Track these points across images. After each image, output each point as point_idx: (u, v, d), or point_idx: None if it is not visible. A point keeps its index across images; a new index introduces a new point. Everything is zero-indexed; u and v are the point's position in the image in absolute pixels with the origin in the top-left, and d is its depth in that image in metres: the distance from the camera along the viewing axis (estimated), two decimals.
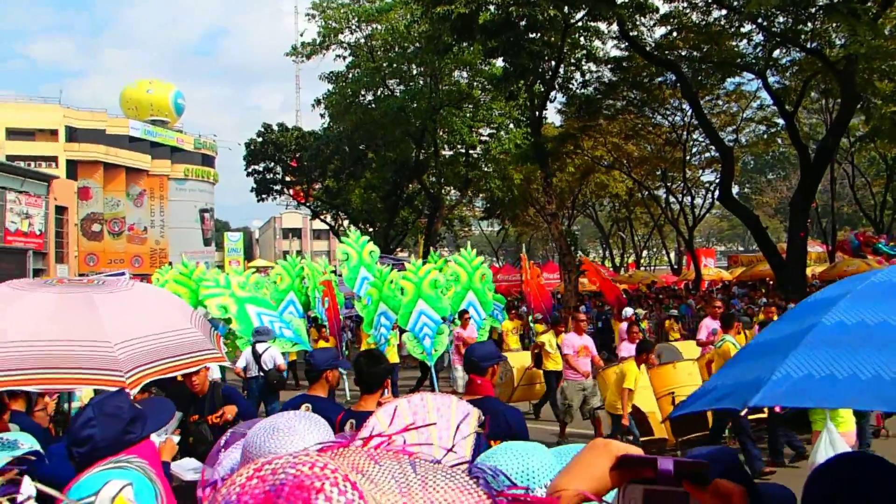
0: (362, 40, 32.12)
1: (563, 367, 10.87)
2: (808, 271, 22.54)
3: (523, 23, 21.15)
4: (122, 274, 18.46)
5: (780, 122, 26.49)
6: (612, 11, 20.29)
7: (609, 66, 25.91)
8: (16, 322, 3.42)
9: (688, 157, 33.75)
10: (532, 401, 13.00)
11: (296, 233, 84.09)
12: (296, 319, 14.69)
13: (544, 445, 1.70)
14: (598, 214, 50.61)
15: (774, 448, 8.64)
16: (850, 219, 51.27)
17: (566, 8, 21.17)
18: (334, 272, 16.40)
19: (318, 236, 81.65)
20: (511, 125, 33.65)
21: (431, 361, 12.68)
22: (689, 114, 29.16)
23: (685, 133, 32.00)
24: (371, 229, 39.91)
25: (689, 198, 39.18)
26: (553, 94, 26.34)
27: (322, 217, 47.45)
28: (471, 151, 35.43)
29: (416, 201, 40.55)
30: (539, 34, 22.27)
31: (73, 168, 54.23)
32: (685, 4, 20.92)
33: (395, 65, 32.27)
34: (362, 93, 34.23)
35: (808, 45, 19.34)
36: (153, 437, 3.61)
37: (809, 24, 19.14)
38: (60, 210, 44.99)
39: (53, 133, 54.27)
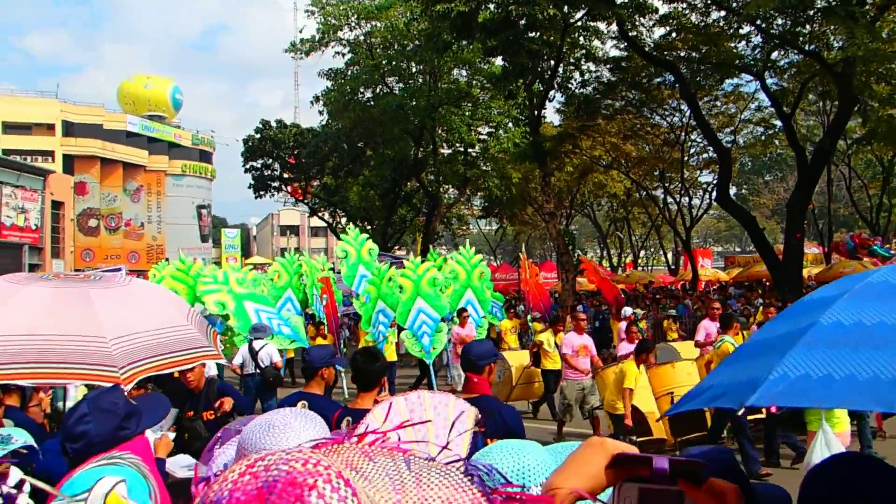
0: (361, 37, 32.04)
1: (562, 366, 10.88)
2: (805, 272, 22.58)
3: (523, 22, 21.14)
4: (119, 270, 18.41)
5: (778, 123, 26.51)
6: (612, 11, 20.29)
7: (608, 66, 25.92)
8: (10, 316, 3.42)
9: (686, 158, 33.79)
10: (531, 399, 13.01)
11: (293, 230, 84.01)
12: (294, 317, 14.68)
13: (539, 444, 1.70)
14: (595, 214, 50.64)
15: (771, 448, 8.64)
16: (846, 221, 51.34)
17: (566, 7, 21.16)
18: (333, 269, 16.37)
19: (316, 233, 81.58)
20: (510, 124, 33.62)
21: (430, 359, 12.68)
22: (687, 114, 29.18)
23: (683, 134, 32.03)
24: (369, 227, 39.88)
25: (686, 198, 39.28)
26: (552, 93, 26.39)
27: (320, 214, 47.42)
28: (469, 150, 35.41)
29: (415, 199, 40.52)
30: (538, 33, 22.27)
31: (70, 163, 54.15)
32: (684, 5, 20.93)
33: (394, 62, 32.22)
34: (361, 90, 34.17)
35: (807, 48, 19.35)
36: (149, 433, 3.61)
37: (808, 27, 19.16)
38: (57, 205, 44.90)
39: (50, 127, 54.19)
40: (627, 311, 15.95)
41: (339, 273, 16.07)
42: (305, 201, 45.75)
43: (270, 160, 42.93)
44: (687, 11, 21.25)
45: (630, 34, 21.70)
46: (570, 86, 26.79)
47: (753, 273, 31.48)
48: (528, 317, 17.26)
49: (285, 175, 43.68)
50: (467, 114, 33.42)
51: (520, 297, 25.22)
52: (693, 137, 33.46)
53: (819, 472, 1.84)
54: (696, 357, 10.66)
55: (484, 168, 35.76)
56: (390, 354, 13.49)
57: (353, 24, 31.30)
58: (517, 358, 12.74)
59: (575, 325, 11.24)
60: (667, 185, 38.08)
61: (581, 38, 24.50)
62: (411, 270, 12.93)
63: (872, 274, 1.74)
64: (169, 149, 62.20)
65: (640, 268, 53.53)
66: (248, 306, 12.93)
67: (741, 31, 21.22)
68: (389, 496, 0.88)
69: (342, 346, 16.37)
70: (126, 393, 3.08)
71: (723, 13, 20.37)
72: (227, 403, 5.70)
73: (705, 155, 35.70)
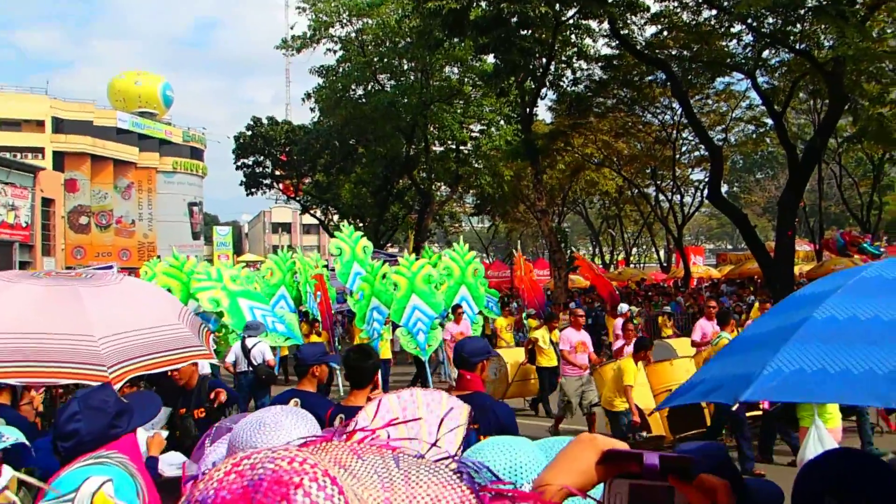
0: (353, 34, 32.00)
1: (561, 362, 10.89)
2: (796, 270, 22.66)
3: (514, 19, 21.14)
4: (111, 267, 18.35)
5: (769, 121, 26.58)
6: (603, 9, 20.30)
7: (600, 63, 25.95)
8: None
9: (677, 156, 33.89)
10: (527, 397, 13.00)
11: (285, 227, 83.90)
12: (288, 314, 14.64)
13: (530, 440, 1.69)
14: (588, 212, 50.76)
15: (765, 445, 8.66)
16: (837, 218, 51.58)
17: (557, 5, 21.18)
18: (326, 266, 16.33)
19: (308, 231, 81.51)
20: (502, 122, 33.67)
21: (425, 356, 12.67)
22: (678, 112, 29.26)
23: (675, 132, 32.12)
24: (361, 224, 39.84)
25: (678, 196, 39.40)
26: (544, 91, 26.39)
27: (312, 212, 47.37)
28: (461, 147, 35.40)
29: (407, 197, 40.50)
30: (530, 31, 22.27)
31: (60, 160, 53.87)
32: (676, 4, 20.94)
33: (385, 60, 32.20)
34: (353, 87, 34.14)
35: (797, 47, 19.40)
36: (141, 431, 3.60)
37: (798, 26, 19.21)
38: (47, 202, 44.65)
39: (40, 124, 53.89)
40: (623, 307, 15.96)
41: (332, 270, 16.04)
42: (297, 199, 45.70)
43: (262, 157, 42.83)
44: (678, 10, 21.27)
45: (621, 32, 21.72)
46: (561, 83, 26.82)
47: (745, 270, 31.61)
48: (524, 314, 17.27)
49: (277, 172, 43.60)
50: (459, 111, 33.41)
51: (512, 294, 25.26)
52: (685, 135, 33.57)
53: (813, 468, 1.84)
54: (694, 354, 10.66)
55: (476, 165, 35.79)
56: (385, 352, 13.48)
57: (344, 20, 31.26)
58: (512, 355, 12.74)
59: (573, 321, 11.28)
60: (659, 182, 38.18)
61: (573, 36, 24.52)
62: (406, 268, 12.90)
63: (866, 269, 1.74)
64: (160, 146, 61.96)
65: (632, 265, 53.65)
66: (243, 303, 12.88)
67: (732, 30, 21.27)
68: (378, 493, 0.87)
69: (337, 343, 16.35)
70: (118, 391, 3.07)
71: (714, 12, 20.39)
72: (222, 394, 5.70)
73: (697, 153, 35.84)
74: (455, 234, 47.14)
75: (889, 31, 19.40)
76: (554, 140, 29.29)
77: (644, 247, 63.60)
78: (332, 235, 19.08)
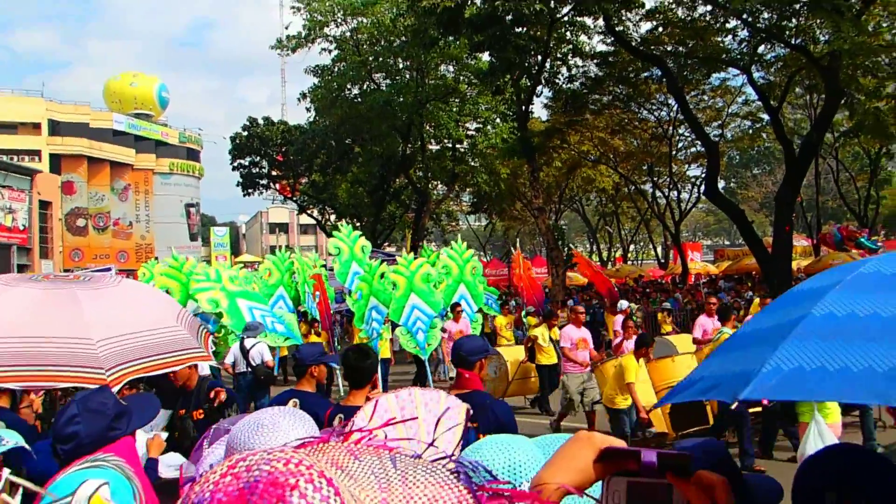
0: (348, 34, 31.98)
1: (562, 360, 10.89)
2: (794, 265, 22.68)
3: (509, 17, 21.12)
4: (109, 269, 18.34)
5: (765, 117, 26.59)
6: (598, 6, 20.28)
7: (595, 60, 25.94)
8: None
9: (674, 152, 33.87)
10: (527, 395, 12.99)
11: (283, 227, 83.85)
12: (287, 314, 14.62)
13: (527, 438, 1.69)
14: (584, 209, 50.76)
15: (766, 443, 8.64)
16: (834, 213, 51.65)
17: (552, 2, 21.17)
18: (325, 266, 16.30)
19: (305, 231, 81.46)
20: (497, 120, 33.66)
21: (425, 355, 12.66)
22: (674, 109, 29.26)
23: (671, 128, 32.11)
24: (358, 224, 39.83)
25: (675, 192, 39.40)
26: (539, 88, 26.38)
27: (309, 212, 47.34)
28: (457, 146, 35.40)
29: (403, 196, 40.49)
30: (525, 28, 22.25)
31: (57, 162, 53.84)
32: (671, 0, 20.98)
33: (381, 59, 32.18)
34: (348, 87, 34.13)
35: (793, 42, 19.41)
36: (141, 433, 3.60)
37: (794, 21, 19.21)
38: (44, 205, 44.63)
39: (36, 126, 53.84)
40: (623, 304, 15.94)
41: (331, 270, 16.01)
42: (294, 199, 45.68)
43: (258, 158, 42.82)
44: (673, 6, 21.31)
45: (617, 29, 21.71)
46: (557, 81, 26.80)
47: (743, 266, 31.62)
48: (523, 312, 17.29)
49: (273, 173, 43.57)
50: (455, 110, 33.41)
51: (510, 292, 25.27)
52: (681, 131, 33.56)
53: (813, 464, 1.84)
54: (696, 350, 10.63)
55: (472, 164, 35.78)
56: (384, 351, 13.46)
57: (339, 20, 31.23)
58: (512, 353, 12.72)
59: (573, 318, 11.28)
60: (655, 179, 38.19)
61: (568, 34, 24.52)
62: (404, 267, 12.88)
63: (864, 264, 1.72)
64: (156, 147, 61.93)
65: (629, 262, 53.67)
66: (242, 304, 12.85)
67: (727, 26, 21.28)
68: (375, 494, 0.87)
69: (336, 343, 16.33)
70: (117, 393, 3.07)
71: (709, 7, 20.41)
72: (222, 393, 5.70)
73: (693, 149, 35.78)
74: (452, 232, 47.19)
75: (885, 25, 19.39)
76: (550, 137, 29.27)
77: (641, 244, 63.67)
78: (329, 235, 19.09)
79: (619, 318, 13.63)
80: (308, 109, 36.91)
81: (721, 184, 34.10)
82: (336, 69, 33.81)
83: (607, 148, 34.32)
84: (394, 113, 31.53)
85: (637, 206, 43.69)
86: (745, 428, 8.26)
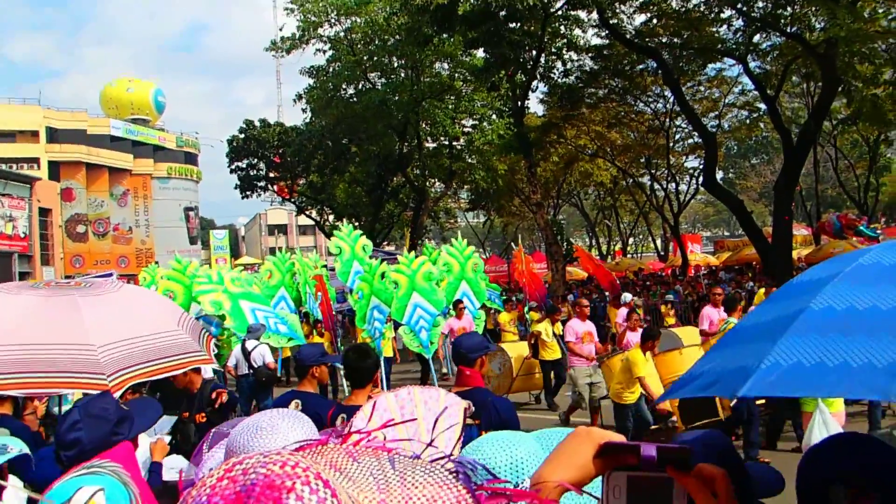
0: (342, 34, 31.95)
1: (567, 354, 10.89)
2: (794, 254, 22.67)
3: (503, 12, 21.09)
4: (110, 275, 18.36)
5: (763, 106, 26.56)
6: None
7: (590, 54, 25.90)
8: None
9: (671, 144, 33.85)
10: (532, 391, 12.97)
11: (281, 229, 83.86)
12: (289, 315, 14.61)
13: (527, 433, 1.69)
14: (583, 203, 50.75)
15: (773, 438, 8.61)
16: (834, 201, 51.65)
17: None
18: (325, 266, 16.29)
19: (304, 232, 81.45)
20: (493, 116, 33.65)
21: (429, 354, 12.64)
22: (671, 101, 29.20)
23: (668, 120, 32.09)
24: (356, 224, 39.82)
25: (673, 184, 39.39)
26: (535, 83, 26.31)
27: (307, 213, 47.34)
28: (454, 143, 35.40)
29: (401, 194, 40.49)
30: (519, 24, 22.23)
31: (56, 169, 53.83)
32: None
33: (375, 58, 32.17)
34: (343, 87, 34.13)
35: (788, 30, 19.37)
36: (144, 437, 3.60)
37: (789, 9, 19.18)
38: (44, 212, 44.66)
39: (34, 134, 53.83)
40: (627, 297, 15.91)
41: (332, 270, 16.00)
42: (292, 200, 45.69)
43: (256, 160, 42.84)
44: None
45: (611, 22, 21.68)
46: (552, 75, 26.74)
47: (743, 257, 31.58)
48: (525, 307, 17.28)
49: (271, 174, 43.60)
50: (451, 107, 33.40)
51: (510, 288, 25.27)
52: (678, 123, 33.53)
53: (818, 452, 1.83)
54: (702, 342, 10.59)
55: (469, 161, 35.78)
56: (387, 350, 13.45)
57: (332, 20, 31.21)
58: (516, 349, 12.68)
59: (578, 311, 11.27)
60: (653, 171, 38.18)
61: (562, 28, 24.47)
62: (405, 266, 12.87)
63: (863, 255, 1.70)
64: (154, 152, 61.92)
65: (629, 255, 53.70)
66: (244, 305, 12.83)
67: (722, 16, 21.24)
68: (374, 495, 0.87)
69: (339, 343, 16.32)
70: (120, 398, 3.07)
71: None
72: (223, 394, 5.71)
73: (691, 140, 35.78)
74: (451, 230, 47.18)
75: (881, 11, 19.36)
76: (546, 132, 29.25)
77: (641, 236, 63.72)
78: (328, 236, 19.07)
79: (623, 311, 13.61)
80: (304, 110, 36.96)
81: (719, 174, 34.19)
82: (331, 69, 33.81)
83: (604, 141, 34.30)
84: (390, 112, 31.53)
85: (635, 199, 43.67)
86: (753, 419, 8.23)
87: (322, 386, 9.87)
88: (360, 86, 33.79)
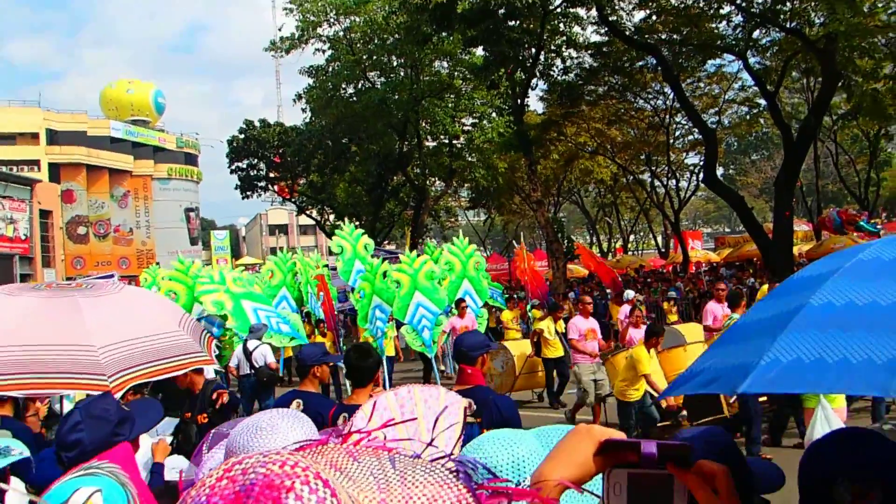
0: (341, 33, 31.96)
1: (570, 351, 10.88)
2: (795, 250, 22.67)
3: (502, 10, 21.11)
4: (111, 276, 18.38)
5: (762, 102, 26.53)
6: None
7: (589, 51, 25.90)
8: None
9: (671, 141, 33.83)
10: (535, 389, 12.97)
11: (282, 229, 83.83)
12: (291, 314, 14.60)
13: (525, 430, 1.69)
14: (583, 200, 50.70)
15: (776, 436, 8.61)
16: (835, 197, 51.60)
17: None
18: (327, 266, 16.28)
19: (305, 231, 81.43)
20: (493, 114, 33.65)
21: (431, 353, 12.64)
22: (671, 97, 29.18)
23: (668, 116, 32.06)
24: (357, 223, 39.80)
25: (674, 181, 39.33)
26: (534, 81, 26.34)
27: (308, 212, 47.33)
28: (454, 141, 35.40)
29: (402, 193, 40.50)
30: (518, 21, 22.23)
31: (56, 171, 53.82)
32: None
33: (374, 57, 32.17)
34: (343, 86, 34.12)
35: (788, 25, 19.36)
36: (146, 438, 3.60)
37: (788, 4, 19.16)
38: (45, 214, 44.64)
39: (34, 136, 53.83)
40: (630, 293, 15.92)
41: (333, 269, 15.99)
42: (293, 200, 45.70)
43: (256, 160, 42.85)
44: None
45: (610, 19, 21.68)
46: (552, 73, 26.75)
47: (744, 253, 31.55)
48: (528, 305, 17.27)
49: (271, 174, 43.60)
50: (450, 105, 33.40)
51: (511, 286, 25.27)
52: (678, 120, 33.51)
53: (820, 448, 1.83)
54: (706, 338, 10.57)
55: (469, 159, 35.79)
56: (389, 349, 13.45)
57: (331, 20, 31.22)
58: (519, 348, 12.68)
59: (581, 308, 11.26)
60: (653, 168, 38.15)
61: (561, 25, 24.46)
62: (407, 265, 12.86)
63: (863, 250, 1.69)
64: (154, 153, 61.90)
65: (630, 252, 53.64)
66: (246, 305, 12.81)
67: (721, 12, 21.22)
68: (374, 495, 0.87)
69: (342, 343, 16.32)
70: (121, 398, 3.08)
71: None
72: (224, 395, 5.71)
73: (691, 137, 35.74)
74: (451, 228, 47.18)
75: (880, 5, 19.35)
76: (546, 130, 29.26)
77: (641, 233, 63.63)
78: (328, 235, 19.07)
79: (625, 307, 13.60)
80: (304, 110, 36.98)
81: (720, 171, 34.18)
82: (330, 69, 33.81)
83: (604, 139, 34.31)
84: (389, 111, 31.53)
85: (636, 196, 43.63)
86: (756, 416, 8.23)
87: (324, 385, 9.87)
88: (360, 85, 33.80)
